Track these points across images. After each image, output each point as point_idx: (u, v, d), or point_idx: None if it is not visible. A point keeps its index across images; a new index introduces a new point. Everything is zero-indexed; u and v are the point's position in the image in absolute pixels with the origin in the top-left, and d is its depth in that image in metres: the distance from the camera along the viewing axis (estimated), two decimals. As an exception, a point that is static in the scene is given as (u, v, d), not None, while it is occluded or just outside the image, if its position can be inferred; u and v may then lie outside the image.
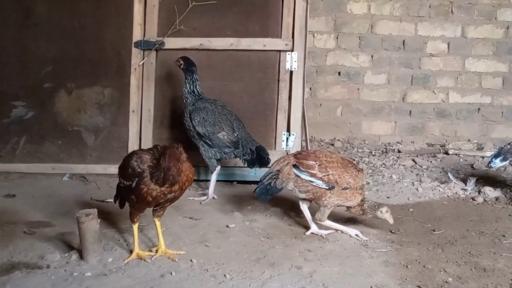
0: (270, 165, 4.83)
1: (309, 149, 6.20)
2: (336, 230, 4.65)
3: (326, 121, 7.48)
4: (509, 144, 5.53)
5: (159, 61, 6.01)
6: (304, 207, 4.69)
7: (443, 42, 7.31)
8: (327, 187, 4.50)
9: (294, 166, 4.53)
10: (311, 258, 4.21)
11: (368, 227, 4.78)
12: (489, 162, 5.53)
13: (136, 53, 5.99)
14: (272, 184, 4.54)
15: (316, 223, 4.64)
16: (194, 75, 5.48)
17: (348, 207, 4.66)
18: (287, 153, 5.92)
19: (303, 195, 4.61)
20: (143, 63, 5.99)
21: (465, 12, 7.27)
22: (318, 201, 4.58)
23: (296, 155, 4.62)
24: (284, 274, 3.92)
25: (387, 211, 4.60)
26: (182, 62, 5.52)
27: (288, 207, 5.26)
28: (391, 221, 4.60)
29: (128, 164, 4.01)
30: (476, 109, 7.34)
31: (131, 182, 3.98)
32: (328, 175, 4.48)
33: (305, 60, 6.02)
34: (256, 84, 6.01)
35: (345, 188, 4.52)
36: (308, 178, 4.50)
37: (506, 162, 5.47)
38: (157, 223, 4.21)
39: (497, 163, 5.47)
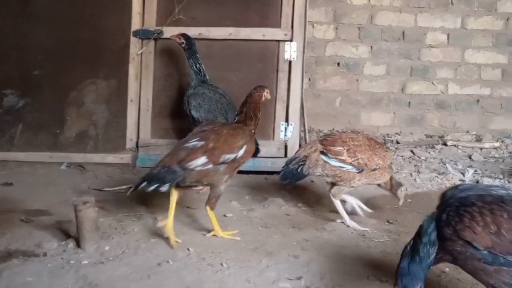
0: (296, 152, 4.79)
1: (307, 140, 6.20)
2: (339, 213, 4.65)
3: (325, 112, 7.47)
4: None
5: (158, 50, 6.00)
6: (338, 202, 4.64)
7: (443, 33, 7.29)
8: (357, 171, 4.50)
9: (322, 152, 4.51)
10: (309, 248, 4.21)
11: (366, 217, 4.78)
12: None
13: (134, 42, 5.98)
14: (298, 170, 4.52)
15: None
16: (197, 54, 5.49)
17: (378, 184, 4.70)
18: (285, 144, 5.95)
19: (330, 179, 4.60)
20: (141, 52, 5.97)
21: (465, 3, 7.25)
22: (347, 183, 4.57)
23: (322, 141, 4.58)
24: (281, 263, 3.92)
25: (404, 192, 4.65)
26: (184, 40, 5.52)
27: (287, 197, 5.26)
28: (401, 202, 4.64)
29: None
30: (475, 100, 7.33)
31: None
32: (358, 159, 4.48)
33: (304, 50, 6.01)
34: (255, 74, 5.99)
35: (374, 169, 4.53)
36: (338, 164, 4.49)
37: None
38: (210, 212, 4.23)
39: None
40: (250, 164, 5.86)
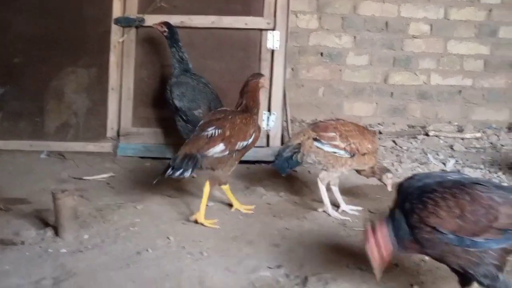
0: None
1: (289, 130, 6.20)
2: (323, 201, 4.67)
3: (308, 101, 7.44)
4: None
5: (139, 38, 5.94)
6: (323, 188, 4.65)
7: (426, 24, 7.29)
8: (349, 156, 4.54)
9: (315, 139, 4.53)
10: (289, 236, 4.21)
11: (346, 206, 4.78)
12: None
13: (116, 30, 5.91)
14: (293, 158, 4.54)
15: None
16: (179, 43, 5.45)
17: (361, 170, 4.73)
18: (268, 133, 5.93)
19: (322, 166, 4.60)
20: (123, 40, 5.91)
21: (448, -7, 7.26)
22: (338, 168, 4.59)
23: (314, 129, 4.61)
24: (261, 252, 3.92)
25: (391, 178, 4.68)
26: (166, 29, 5.46)
27: (268, 187, 5.25)
28: (390, 188, 4.64)
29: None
30: (457, 91, 7.34)
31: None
32: (350, 144, 4.53)
33: (287, 39, 5.98)
34: (237, 63, 5.96)
35: (364, 154, 4.58)
36: (331, 149, 4.52)
37: None
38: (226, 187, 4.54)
39: None
40: (231, 153, 5.86)
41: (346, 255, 3.87)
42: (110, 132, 5.97)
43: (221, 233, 4.23)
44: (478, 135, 6.85)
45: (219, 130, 4.28)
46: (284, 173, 4.68)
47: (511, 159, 6.17)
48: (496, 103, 7.31)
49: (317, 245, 4.06)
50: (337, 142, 4.53)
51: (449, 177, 3.08)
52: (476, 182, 2.99)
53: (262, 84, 4.57)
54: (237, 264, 3.75)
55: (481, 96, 7.34)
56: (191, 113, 5.39)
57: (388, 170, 4.75)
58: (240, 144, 4.32)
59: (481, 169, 5.86)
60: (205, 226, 4.29)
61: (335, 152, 4.54)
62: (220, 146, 4.27)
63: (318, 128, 4.60)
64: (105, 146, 5.93)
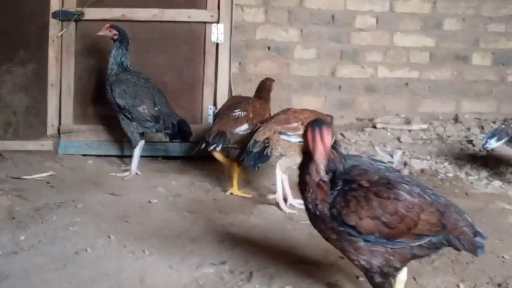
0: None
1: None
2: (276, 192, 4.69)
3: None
4: (503, 123, 5.30)
5: (79, 32, 5.76)
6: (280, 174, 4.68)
7: (372, 17, 7.28)
8: None
9: (280, 133, 4.58)
10: (235, 232, 4.13)
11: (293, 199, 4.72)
12: (484, 143, 5.24)
13: (54, 24, 5.71)
14: (264, 153, 4.56)
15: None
16: (128, 47, 5.30)
17: None
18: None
19: (290, 157, 4.59)
20: (61, 35, 5.72)
21: (392, -14, 7.27)
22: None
23: (277, 122, 4.65)
24: (205, 248, 3.82)
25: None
26: (116, 32, 5.27)
27: (215, 182, 5.17)
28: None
29: None
30: (404, 83, 7.36)
31: None
32: None
33: (231, 33, 5.89)
34: (181, 57, 5.85)
35: None
36: (297, 139, 4.55)
37: (502, 142, 5.17)
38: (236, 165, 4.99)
39: (493, 143, 5.16)
40: (177, 149, 5.77)
41: (292, 248, 3.81)
42: (51, 130, 5.79)
43: (165, 230, 4.11)
44: (425, 126, 6.88)
45: (244, 113, 4.95)
46: (256, 168, 4.69)
47: (457, 150, 6.22)
48: (442, 95, 7.35)
49: (263, 240, 3.98)
50: (301, 131, 4.51)
51: (380, 167, 3.02)
52: (402, 182, 2.91)
53: (273, 86, 5.39)
54: (180, 262, 3.64)
55: (428, 88, 7.37)
56: (135, 110, 5.24)
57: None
58: (259, 125, 4.80)
59: (428, 160, 5.89)
60: (240, 196, 4.88)
61: (300, 141, 4.55)
62: (245, 126, 4.92)
63: (281, 121, 4.66)
64: (46, 145, 5.74)
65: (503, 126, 5.20)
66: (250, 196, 4.92)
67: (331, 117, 4.87)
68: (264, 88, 5.36)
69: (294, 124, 4.62)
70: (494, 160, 5.81)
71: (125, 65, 5.29)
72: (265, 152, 4.57)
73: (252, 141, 4.63)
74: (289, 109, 4.88)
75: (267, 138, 4.60)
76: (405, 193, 2.84)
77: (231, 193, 4.93)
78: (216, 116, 5.21)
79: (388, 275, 2.92)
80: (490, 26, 7.34)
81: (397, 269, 2.93)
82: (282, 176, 4.69)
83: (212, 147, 4.85)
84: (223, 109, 5.14)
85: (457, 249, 2.96)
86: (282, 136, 4.59)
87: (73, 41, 5.75)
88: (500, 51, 7.33)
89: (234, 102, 5.17)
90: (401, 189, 2.84)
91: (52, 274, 3.40)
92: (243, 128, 4.93)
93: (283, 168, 4.64)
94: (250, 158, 4.58)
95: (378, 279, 2.90)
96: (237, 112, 4.98)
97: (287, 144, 4.59)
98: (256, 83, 7.23)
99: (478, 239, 2.96)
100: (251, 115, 4.99)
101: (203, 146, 4.88)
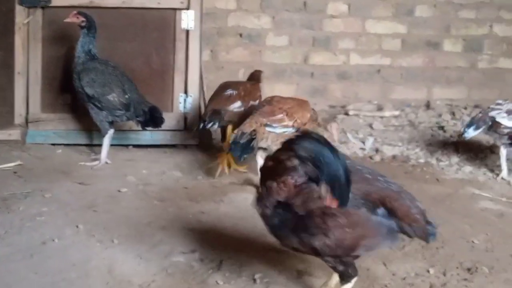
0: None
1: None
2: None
3: (228, 84, 7.30)
4: (480, 112, 5.28)
5: (46, 19, 5.63)
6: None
7: (344, 4, 7.26)
8: (295, 130, 4.67)
9: (266, 125, 4.66)
10: (205, 220, 4.10)
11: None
12: (463, 133, 5.18)
13: (20, 11, 5.57)
14: (251, 145, 4.65)
15: None
16: (95, 34, 5.20)
17: None
18: (185, 116, 5.78)
19: (275, 147, 4.54)
20: (28, 22, 5.60)
21: (364, -27, 7.25)
22: None
23: (262, 114, 4.72)
24: (175, 236, 3.79)
25: (336, 129, 4.97)
26: (84, 19, 5.17)
27: (185, 171, 5.13)
28: (336, 138, 4.90)
29: None
30: (376, 70, 7.37)
31: None
32: (295, 120, 4.73)
33: (202, 19, 5.82)
34: (151, 44, 5.76)
35: (305, 124, 4.77)
36: (282, 130, 4.69)
37: (480, 130, 5.13)
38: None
39: (471, 132, 5.12)
40: (148, 137, 5.70)
41: (263, 236, 3.75)
42: (18, 118, 5.67)
43: (135, 219, 4.06)
44: (397, 113, 6.90)
45: (235, 91, 5.20)
46: (243, 159, 4.76)
47: (428, 136, 6.25)
48: (414, 82, 7.38)
49: (233, 228, 3.96)
50: (286, 122, 4.71)
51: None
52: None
53: (262, 76, 5.62)
54: (149, 251, 3.60)
55: (399, 75, 7.39)
56: (105, 99, 5.15)
57: (333, 121, 5.05)
58: (251, 103, 5.14)
59: (399, 146, 5.91)
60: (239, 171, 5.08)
61: (285, 131, 4.67)
62: (238, 103, 5.14)
63: (266, 114, 4.73)
64: (13, 134, 5.62)
65: (480, 114, 5.17)
66: (246, 171, 5.09)
67: (307, 101, 5.01)
68: (253, 78, 5.63)
69: (279, 116, 4.71)
70: (464, 146, 5.84)
71: (92, 53, 5.20)
72: (251, 144, 4.65)
73: (239, 133, 4.68)
74: (273, 98, 4.94)
75: (254, 130, 4.66)
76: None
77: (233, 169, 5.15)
78: (209, 100, 5.38)
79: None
80: (461, 12, 7.38)
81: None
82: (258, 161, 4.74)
83: (209, 125, 5.05)
84: (215, 92, 5.35)
85: (409, 236, 2.95)
86: (268, 128, 4.67)
87: (40, 28, 5.62)
88: (471, 37, 7.38)
89: (225, 85, 5.38)
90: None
91: (18, 265, 3.35)
92: (236, 105, 5.14)
93: (264, 156, 4.62)
94: (237, 149, 4.63)
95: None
96: (229, 91, 5.22)
97: (273, 136, 4.66)
98: (228, 71, 7.26)
99: (429, 227, 2.95)
100: (242, 93, 5.22)
101: (201, 125, 5.08)
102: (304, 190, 2.78)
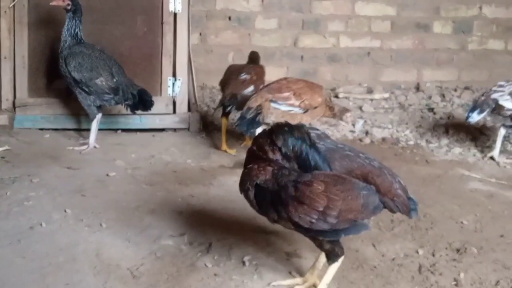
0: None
1: (196, 95, 6.04)
2: None
3: (218, 67, 7.18)
4: (482, 95, 5.17)
5: (32, 3, 5.53)
6: None
7: (333, -15, 7.23)
8: (302, 112, 4.76)
9: (272, 101, 4.72)
10: (194, 203, 4.08)
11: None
12: (467, 118, 5.09)
13: (5, -6, 5.53)
14: (257, 119, 4.69)
15: None
16: (81, 18, 5.13)
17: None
18: (174, 100, 5.73)
19: None
20: (13, 5, 5.53)
21: (354, -46, 7.21)
22: None
23: (269, 91, 4.79)
24: (164, 220, 3.77)
25: (350, 116, 5.01)
26: (69, 2, 5.08)
27: (175, 155, 5.10)
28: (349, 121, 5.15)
29: None
30: (366, 53, 7.34)
31: None
32: (304, 101, 4.76)
33: (189, 2, 5.75)
34: (138, 27, 5.68)
35: (316, 107, 4.78)
36: (287, 108, 4.74)
37: (484, 114, 5.05)
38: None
39: (475, 117, 5.05)
40: (137, 121, 5.67)
41: (252, 219, 3.76)
42: (5, 103, 5.60)
43: (123, 203, 4.04)
44: (387, 95, 6.90)
45: (249, 75, 5.30)
46: (249, 134, 4.83)
47: (418, 118, 6.24)
48: (404, 64, 7.37)
49: (223, 211, 3.95)
50: (292, 101, 4.75)
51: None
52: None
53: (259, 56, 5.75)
54: (138, 234, 3.59)
55: (389, 57, 7.38)
56: (93, 83, 5.10)
57: (347, 111, 4.98)
58: (261, 87, 5.11)
59: (389, 128, 5.90)
60: (228, 152, 5.19)
61: (290, 111, 4.73)
62: (251, 87, 5.20)
63: (273, 90, 4.79)
64: (1, 119, 5.53)
65: (483, 98, 5.09)
66: (234, 154, 5.14)
67: (321, 86, 5.07)
68: (253, 58, 5.71)
69: (286, 93, 4.77)
70: (454, 128, 5.84)
71: (79, 37, 5.14)
72: (257, 119, 4.69)
73: (245, 107, 4.75)
74: (285, 78, 5.05)
75: (259, 105, 4.71)
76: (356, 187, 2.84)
77: (225, 150, 5.26)
78: (222, 83, 5.47)
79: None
80: (450, -6, 7.36)
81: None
82: None
83: (228, 109, 5.19)
84: (228, 76, 5.43)
85: (392, 211, 3.00)
86: (273, 104, 4.72)
87: (26, 12, 5.54)
88: (461, 19, 7.36)
89: (236, 68, 5.50)
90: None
91: (5, 250, 3.34)
92: (250, 90, 5.21)
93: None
94: (244, 123, 4.70)
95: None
96: (244, 76, 5.31)
97: (278, 113, 4.70)
98: (217, 54, 7.22)
99: (411, 202, 3.02)
100: (254, 77, 5.33)
101: (224, 110, 5.23)
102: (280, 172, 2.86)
